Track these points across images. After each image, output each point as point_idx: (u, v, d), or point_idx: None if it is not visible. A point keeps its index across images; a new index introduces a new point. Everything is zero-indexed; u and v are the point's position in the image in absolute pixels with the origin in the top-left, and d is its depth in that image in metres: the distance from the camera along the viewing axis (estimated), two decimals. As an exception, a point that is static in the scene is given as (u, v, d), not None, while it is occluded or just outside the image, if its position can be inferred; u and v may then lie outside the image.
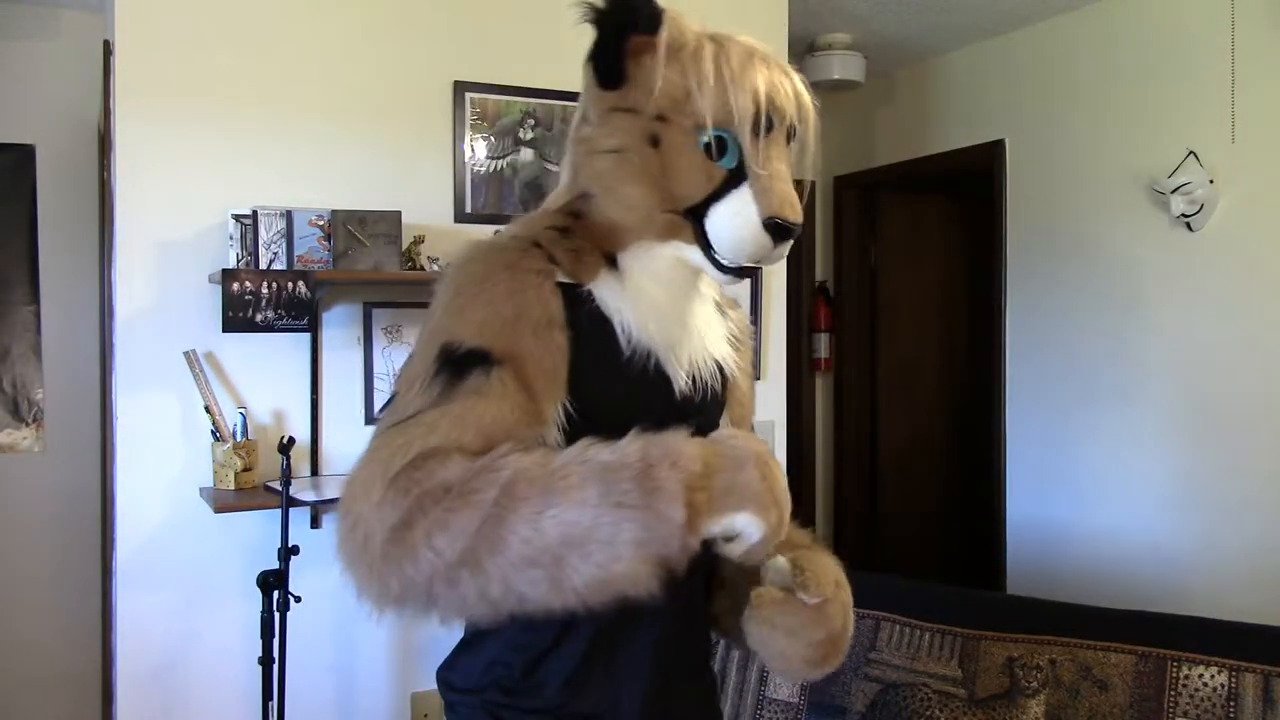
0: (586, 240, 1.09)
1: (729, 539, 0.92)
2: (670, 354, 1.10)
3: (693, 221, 1.05)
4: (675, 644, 1.18)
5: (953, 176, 4.37)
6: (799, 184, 1.08)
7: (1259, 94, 3.10)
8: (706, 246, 1.06)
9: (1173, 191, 3.23)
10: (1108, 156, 3.56)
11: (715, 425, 1.16)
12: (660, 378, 1.09)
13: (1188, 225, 3.25)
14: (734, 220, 1.03)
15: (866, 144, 4.62)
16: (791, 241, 1.05)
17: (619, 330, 1.07)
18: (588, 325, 1.06)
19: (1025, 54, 3.89)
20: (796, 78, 1.10)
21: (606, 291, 1.08)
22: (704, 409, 1.14)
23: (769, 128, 1.04)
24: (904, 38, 4.02)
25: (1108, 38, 3.56)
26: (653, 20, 1.04)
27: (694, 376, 1.12)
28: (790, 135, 1.08)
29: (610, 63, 1.06)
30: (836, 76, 3.94)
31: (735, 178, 1.03)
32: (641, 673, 1.14)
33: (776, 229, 1.02)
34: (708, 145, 1.04)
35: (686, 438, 0.91)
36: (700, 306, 1.16)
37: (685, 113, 1.04)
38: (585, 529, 0.86)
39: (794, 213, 1.03)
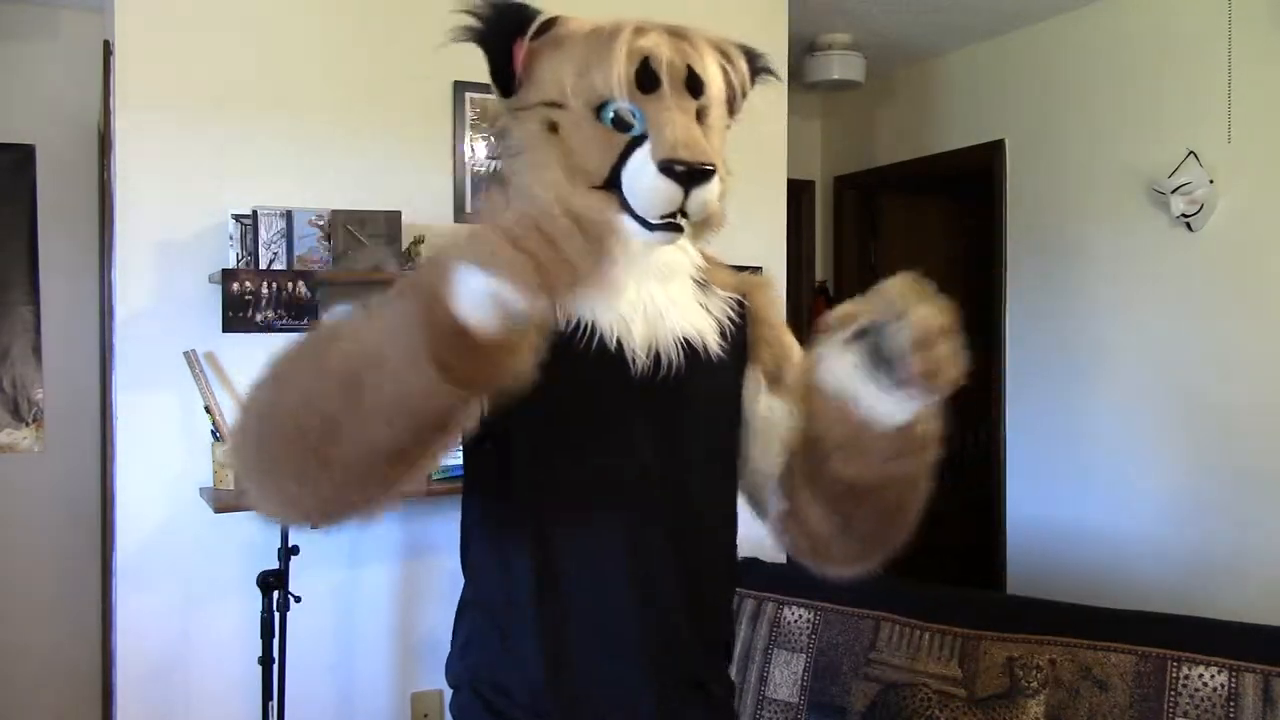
0: None
1: (510, 321, 0.80)
2: (619, 332, 1.07)
3: (615, 193, 1.05)
4: (669, 652, 1.13)
5: (953, 176, 4.37)
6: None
7: (1258, 94, 3.10)
8: (630, 212, 1.05)
9: (1173, 191, 3.23)
10: (1108, 156, 3.56)
11: (695, 402, 1.12)
12: (611, 357, 1.07)
13: (1188, 225, 3.25)
14: (638, 175, 1.03)
15: (866, 144, 4.62)
16: (708, 184, 1.03)
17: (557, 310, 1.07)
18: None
19: (1025, 54, 3.89)
20: (701, 41, 1.11)
21: None
22: (673, 387, 1.09)
23: (654, 85, 1.05)
24: (904, 38, 4.02)
25: (1107, 38, 3.56)
26: (532, 25, 1.07)
27: (657, 354, 1.08)
28: (696, 89, 1.08)
29: (498, 71, 1.09)
30: (836, 76, 3.94)
31: (638, 141, 1.05)
32: (629, 684, 1.11)
33: (674, 171, 1.01)
34: (613, 122, 1.05)
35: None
36: (663, 284, 1.11)
37: (573, 93, 1.06)
38: (366, 343, 0.86)
39: (688, 150, 1.02)
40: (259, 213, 2.51)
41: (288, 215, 2.52)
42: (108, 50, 2.63)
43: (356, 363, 0.85)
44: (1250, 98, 3.11)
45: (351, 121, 2.71)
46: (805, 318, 4.75)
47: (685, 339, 1.11)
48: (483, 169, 2.86)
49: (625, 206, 1.05)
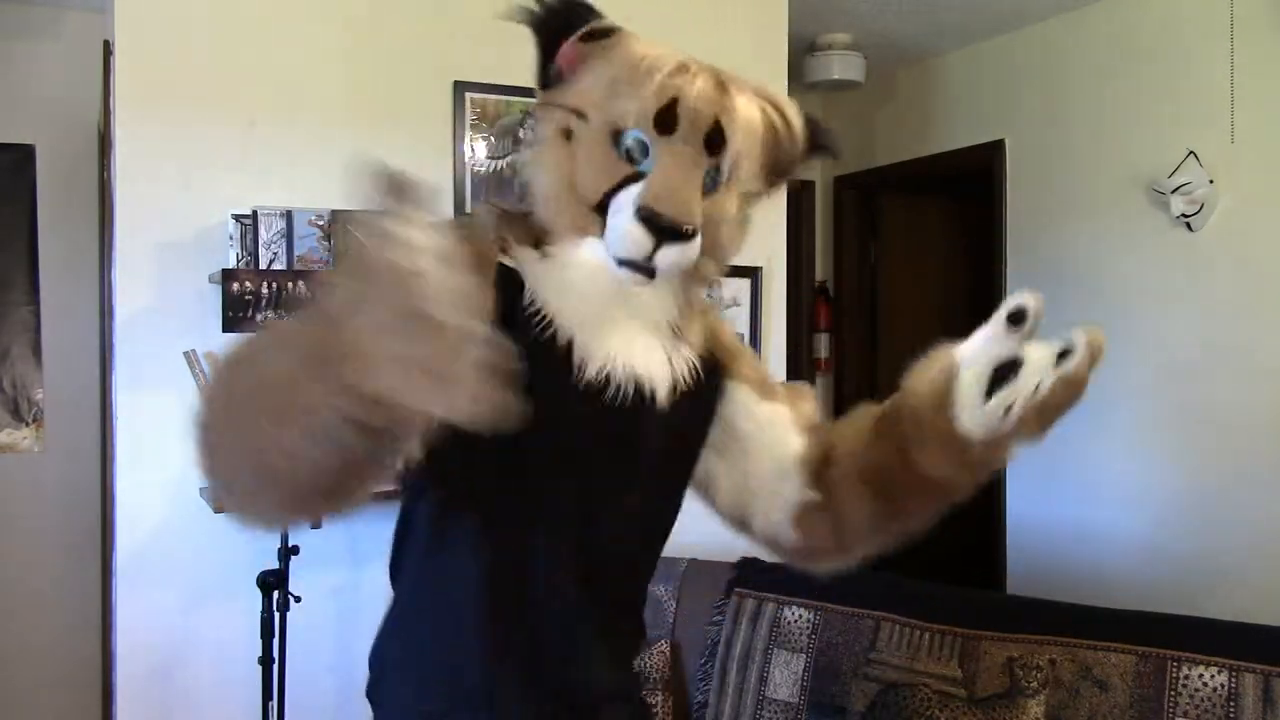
0: (527, 226, 1.11)
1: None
2: (578, 338, 1.06)
3: (602, 217, 1.05)
4: (563, 665, 1.12)
5: (953, 176, 4.37)
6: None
7: (1259, 94, 3.10)
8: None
9: (1173, 191, 3.23)
10: (1108, 156, 3.56)
11: (644, 436, 1.11)
12: (564, 357, 1.06)
13: (1188, 225, 3.25)
14: (617, 211, 1.02)
15: (866, 144, 4.62)
16: (682, 244, 1.01)
17: (525, 299, 1.07)
18: (504, 298, 1.02)
19: (1025, 54, 3.89)
20: (743, 98, 1.07)
21: (528, 268, 1.09)
22: (620, 412, 1.08)
23: (671, 129, 1.03)
24: (904, 38, 4.02)
25: (1107, 38, 3.56)
26: (588, 27, 1.06)
27: (609, 374, 1.06)
28: (715, 148, 1.05)
29: (542, 63, 1.10)
30: (836, 76, 3.94)
31: (637, 177, 1.03)
32: (514, 691, 1.10)
33: (648, 221, 0.99)
34: (627, 150, 1.04)
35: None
36: (634, 320, 1.09)
37: (600, 109, 1.05)
38: (269, 375, 0.83)
39: (671, 207, 0.99)
40: (259, 213, 2.51)
41: (288, 215, 2.52)
42: (108, 50, 2.63)
43: (267, 396, 0.83)
44: (1251, 98, 3.11)
45: (352, 121, 2.71)
46: (805, 318, 4.75)
47: (636, 377, 1.08)
48: (483, 169, 2.86)
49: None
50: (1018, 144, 3.94)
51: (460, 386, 0.68)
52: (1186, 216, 3.23)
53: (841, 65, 3.94)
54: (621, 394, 1.07)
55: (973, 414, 1.00)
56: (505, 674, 1.09)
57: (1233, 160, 3.16)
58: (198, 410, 0.91)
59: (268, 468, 0.84)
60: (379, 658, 1.19)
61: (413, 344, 0.68)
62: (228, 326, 2.40)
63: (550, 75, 1.10)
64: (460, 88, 2.82)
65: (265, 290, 2.43)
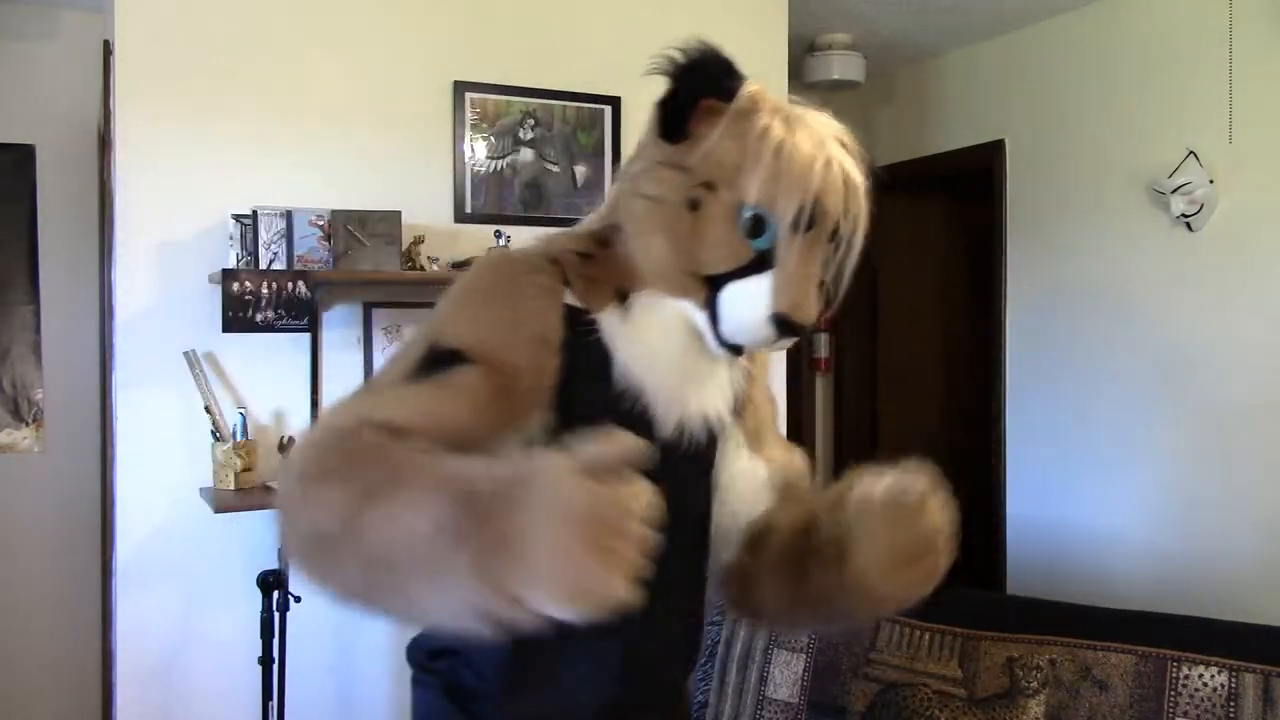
0: (606, 270, 1.08)
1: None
2: (659, 398, 1.08)
3: (708, 288, 1.04)
4: (642, 659, 1.15)
5: (953, 176, 4.37)
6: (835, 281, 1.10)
7: (1258, 94, 3.10)
8: (713, 316, 1.05)
9: (1173, 191, 3.23)
10: (1108, 156, 3.56)
11: (696, 480, 1.17)
12: (645, 420, 1.06)
13: (1188, 225, 3.25)
14: (746, 303, 1.02)
15: (867, 144, 4.56)
16: (796, 339, 1.06)
17: (615, 364, 1.06)
18: (585, 352, 1.04)
19: (1025, 54, 3.89)
20: (855, 169, 1.08)
21: (611, 324, 1.07)
22: (687, 461, 1.12)
23: (809, 225, 1.02)
24: (904, 38, 4.02)
25: (1107, 38, 3.56)
26: (728, 90, 1.02)
27: (682, 428, 1.10)
28: (833, 234, 1.07)
29: (676, 118, 1.04)
30: (836, 76, 3.94)
31: (762, 261, 1.02)
32: (598, 685, 1.13)
33: (781, 325, 1.01)
34: (747, 221, 1.02)
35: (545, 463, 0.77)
36: (702, 362, 1.11)
37: (732, 186, 1.02)
38: (409, 543, 0.79)
39: (804, 315, 1.02)
40: (259, 213, 2.51)
41: (288, 215, 2.52)
42: (108, 50, 2.63)
43: (396, 557, 0.80)
44: (1250, 98, 3.11)
45: (352, 121, 2.71)
46: (805, 318, 4.75)
47: (706, 415, 1.13)
48: (483, 169, 2.86)
49: (709, 305, 1.04)
50: (1018, 144, 3.94)
51: (604, 604, 0.73)
52: (1186, 216, 3.23)
53: (841, 65, 3.94)
54: (695, 444, 1.12)
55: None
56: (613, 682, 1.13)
57: (1233, 160, 3.16)
58: (317, 515, 0.84)
59: (373, 593, 0.84)
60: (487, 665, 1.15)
61: (582, 574, 0.72)
62: (228, 326, 2.41)
63: (678, 132, 1.04)
64: (460, 88, 2.82)
65: (265, 290, 2.43)
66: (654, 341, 1.07)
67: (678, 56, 1.02)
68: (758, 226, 1.02)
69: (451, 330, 1.01)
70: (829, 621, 1.20)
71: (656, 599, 1.11)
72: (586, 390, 1.04)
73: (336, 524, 0.81)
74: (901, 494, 1.02)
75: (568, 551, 0.72)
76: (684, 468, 1.12)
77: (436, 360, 0.98)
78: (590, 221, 1.17)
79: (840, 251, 1.09)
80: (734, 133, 1.02)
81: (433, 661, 1.18)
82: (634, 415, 1.06)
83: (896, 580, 1.04)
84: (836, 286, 1.11)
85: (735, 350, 1.07)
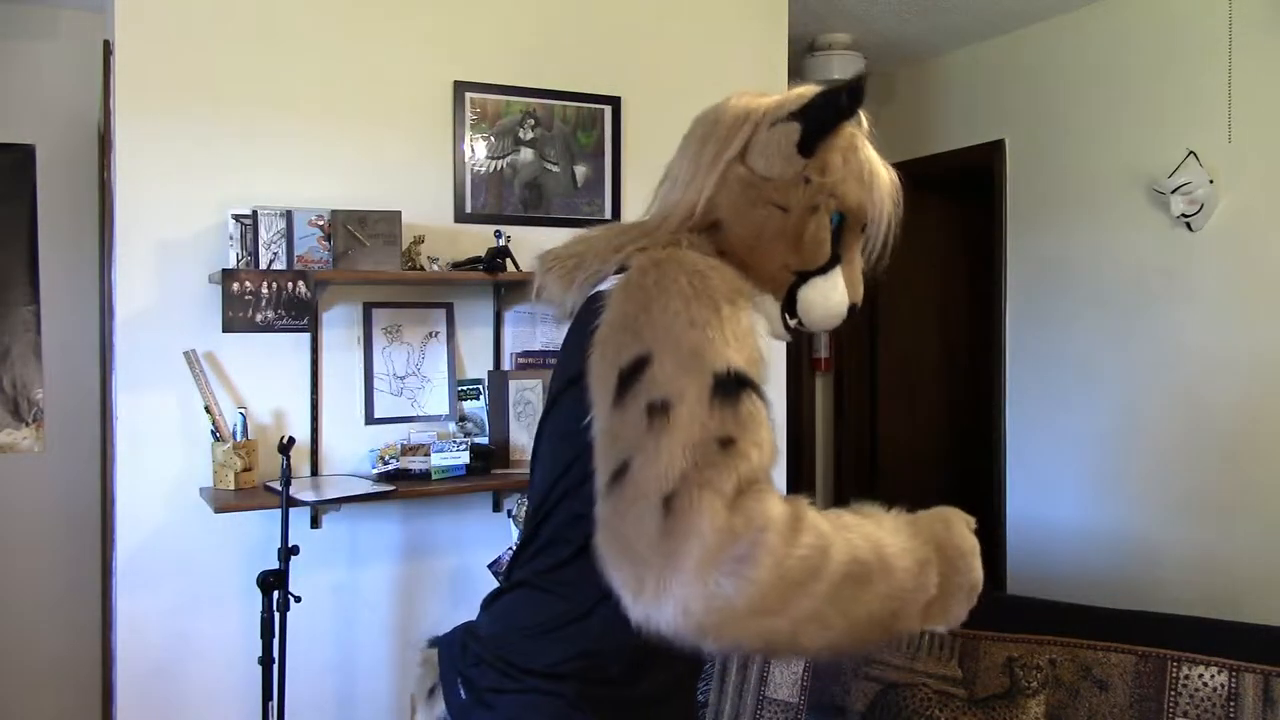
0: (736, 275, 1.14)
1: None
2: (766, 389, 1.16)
3: (792, 284, 1.19)
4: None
5: (953, 176, 4.37)
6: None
7: (1258, 94, 3.10)
8: (788, 307, 1.20)
9: (1173, 191, 3.23)
10: (1108, 156, 3.56)
11: None
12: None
13: (1188, 225, 3.25)
14: (833, 297, 1.20)
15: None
16: None
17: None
18: None
19: (1025, 54, 3.89)
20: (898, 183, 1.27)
21: (755, 327, 1.14)
22: None
23: (865, 226, 1.22)
24: (904, 38, 4.03)
25: (1107, 38, 3.56)
26: (855, 113, 1.20)
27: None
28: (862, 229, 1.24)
29: (820, 137, 1.18)
30: (836, 76, 3.94)
31: (834, 259, 1.20)
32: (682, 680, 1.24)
33: (852, 312, 1.22)
34: (837, 226, 1.19)
35: (964, 529, 1.06)
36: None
37: (838, 195, 1.19)
38: (900, 606, 0.98)
39: (861, 302, 1.24)
40: (259, 213, 2.51)
41: (288, 215, 2.52)
42: (108, 50, 2.63)
43: (892, 608, 0.97)
44: (1250, 98, 3.11)
45: (352, 121, 2.71)
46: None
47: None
48: (483, 169, 2.86)
49: (789, 298, 1.19)
50: (1018, 144, 3.94)
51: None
52: (1186, 216, 3.23)
53: (841, 65, 3.94)
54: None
55: None
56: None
57: (1233, 160, 3.16)
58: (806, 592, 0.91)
59: (826, 646, 0.95)
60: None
61: (964, 614, 1.05)
62: (228, 326, 2.41)
63: (816, 148, 1.18)
64: (460, 88, 2.82)
65: (265, 290, 2.43)
66: (762, 332, 1.17)
67: (846, 84, 1.18)
68: (837, 230, 1.20)
69: (724, 354, 0.97)
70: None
71: None
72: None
73: (816, 643, 0.94)
74: None
75: (969, 602, 1.04)
76: None
77: (730, 388, 0.95)
78: (676, 212, 1.19)
79: (877, 252, 1.26)
80: (840, 146, 1.20)
81: (559, 666, 1.12)
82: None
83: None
84: (872, 275, 1.29)
85: (797, 335, 1.23)
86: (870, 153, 1.23)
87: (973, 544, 1.05)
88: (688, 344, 0.97)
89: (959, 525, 1.05)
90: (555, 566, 1.13)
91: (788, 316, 1.21)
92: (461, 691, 1.17)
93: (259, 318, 2.42)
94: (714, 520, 0.87)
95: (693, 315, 0.99)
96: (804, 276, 1.19)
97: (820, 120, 1.18)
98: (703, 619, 0.87)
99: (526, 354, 2.91)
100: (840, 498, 4.68)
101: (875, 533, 0.98)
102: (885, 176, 1.23)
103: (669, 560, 0.87)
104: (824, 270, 1.19)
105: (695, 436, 0.92)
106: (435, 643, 1.27)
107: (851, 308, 1.22)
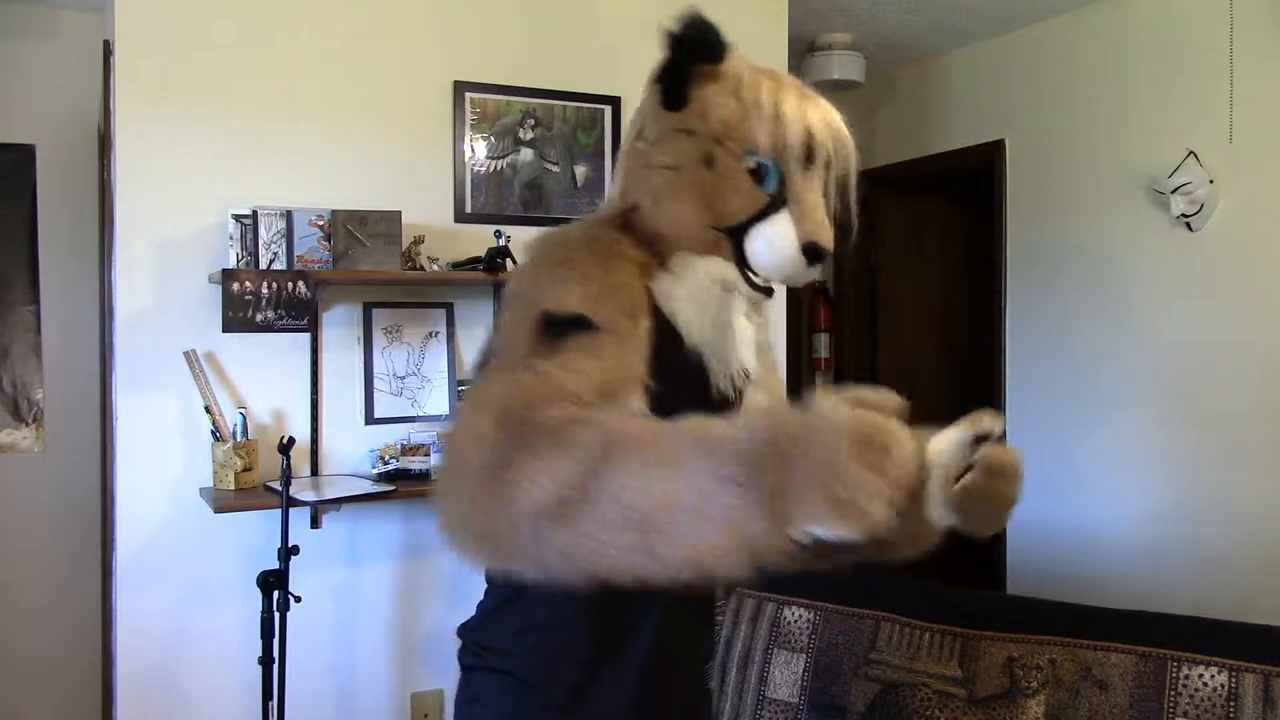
0: (640, 244, 1.15)
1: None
2: (713, 356, 1.14)
3: (732, 241, 1.12)
4: (673, 648, 1.22)
5: (953, 176, 4.37)
6: (844, 213, 1.18)
7: (1258, 94, 3.10)
8: (743, 264, 1.13)
9: (1173, 191, 3.23)
10: (1108, 156, 3.56)
11: None
12: (702, 377, 1.14)
13: (1188, 225, 3.25)
14: (776, 242, 1.11)
15: (866, 144, 4.59)
16: (821, 264, 1.14)
17: (679, 327, 1.12)
18: (660, 320, 1.12)
19: (1025, 54, 3.89)
20: (838, 116, 1.18)
21: (664, 291, 1.13)
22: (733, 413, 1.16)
23: (809, 160, 1.13)
24: (904, 38, 4.02)
25: (1107, 38, 3.56)
26: (718, 52, 1.13)
27: (731, 380, 1.16)
28: (826, 168, 1.17)
29: (676, 86, 1.14)
30: (836, 76, 3.94)
31: (775, 203, 1.12)
32: (634, 674, 1.19)
33: (812, 252, 1.11)
34: (752, 170, 1.11)
35: (836, 411, 0.83)
36: (738, 319, 1.19)
37: (737, 138, 1.11)
38: (685, 499, 0.82)
39: (827, 238, 1.13)
40: (259, 213, 2.51)
41: (288, 215, 2.52)
42: (108, 50, 2.63)
43: (659, 515, 0.82)
44: (1250, 98, 3.11)
45: (351, 121, 2.71)
46: (805, 318, 4.75)
47: (745, 370, 1.19)
48: (483, 169, 2.87)
49: (737, 255, 1.12)
50: (1018, 144, 3.94)
51: (867, 521, 0.78)
52: (1186, 216, 3.23)
53: (841, 65, 3.94)
54: (739, 396, 1.17)
55: (940, 512, 1.10)
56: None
57: (1233, 160, 3.16)
58: (540, 486, 0.85)
59: (603, 555, 0.84)
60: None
61: (852, 489, 0.78)
62: (228, 326, 2.41)
63: (679, 98, 1.14)
64: (460, 88, 2.82)
65: (265, 290, 2.43)
66: (698, 299, 1.13)
67: (672, 28, 1.11)
68: (759, 173, 1.12)
69: (562, 301, 1.03)
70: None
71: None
72: (662, 356, 1.08)
73: (573, 492, 0.84)
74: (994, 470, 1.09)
75: (844, 468, 0.78)
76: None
77: (558, 329, 1.00)
78: (605, 207, 1.22)
79: (840, 182, 1.18)
80: (729, 90, 1.13)
81: (511, 644, 1.19)
82: (700, 375, 1.13)
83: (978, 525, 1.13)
84: (847, 216, 1.21)
85: (768, 292, 1.15)
86: (770, 87, 1.14)
87: (832, 421, 0.81)
88: (524, 301, 1.06)
89: (826, 409, 0.83)
90: None
91: (749, 273, 1.13)
92: (458, 670, 1.27)
93: (259, 318, 2.42)
94: (480, 439, 0.90)
95: (537, 274, 1.08)
96: (743, 229, 1.12)
97: (669, 73, 1.14)
98: (464, 532, 0.91)
99: (526, 354, 2.91)
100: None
101: (675, 427, 0.87)
102: (793, 106, 1.13)
103: (441, 487, 0.94)
104: (764, 216, 1.11)
105: (506, 367, 0.99)
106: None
107: (813, 249, 1.11)
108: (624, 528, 0.82)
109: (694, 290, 1.13)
